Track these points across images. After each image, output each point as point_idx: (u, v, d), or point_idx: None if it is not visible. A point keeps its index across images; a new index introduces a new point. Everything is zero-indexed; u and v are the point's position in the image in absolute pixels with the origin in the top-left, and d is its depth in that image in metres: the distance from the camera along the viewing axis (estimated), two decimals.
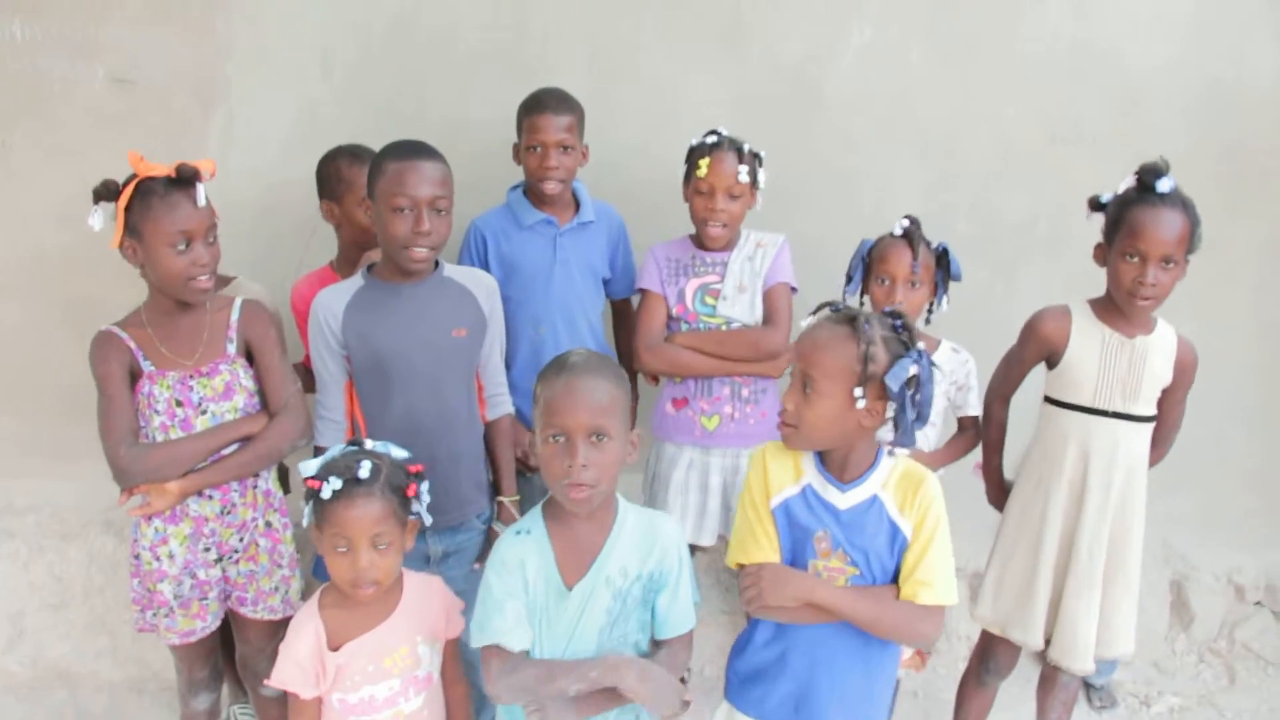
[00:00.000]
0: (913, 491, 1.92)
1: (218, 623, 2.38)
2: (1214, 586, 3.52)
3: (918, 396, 1.85)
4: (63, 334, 3.19)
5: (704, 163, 2.69)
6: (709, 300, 2.78)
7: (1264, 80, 3.33)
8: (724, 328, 2.77)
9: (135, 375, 2.24)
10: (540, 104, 2.73)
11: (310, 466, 1.92)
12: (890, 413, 1.86)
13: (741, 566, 1.99)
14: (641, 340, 2.79)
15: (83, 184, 3.03)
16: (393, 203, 2.27)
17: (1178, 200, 2.32)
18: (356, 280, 2.41)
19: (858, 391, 1.83)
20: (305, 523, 1.92)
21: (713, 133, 2.74)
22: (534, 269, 2.79)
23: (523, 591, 1.85)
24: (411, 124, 3.03)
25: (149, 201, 2.14)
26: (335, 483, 1.85)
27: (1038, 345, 2.50)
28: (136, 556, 2.33)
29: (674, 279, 2.80)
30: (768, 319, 2.77)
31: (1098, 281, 2.58)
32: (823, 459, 1.96)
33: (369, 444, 1.99)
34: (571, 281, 2.83)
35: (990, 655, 2.69)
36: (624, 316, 3.07)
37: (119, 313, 3.04)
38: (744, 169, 2.68)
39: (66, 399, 3.22)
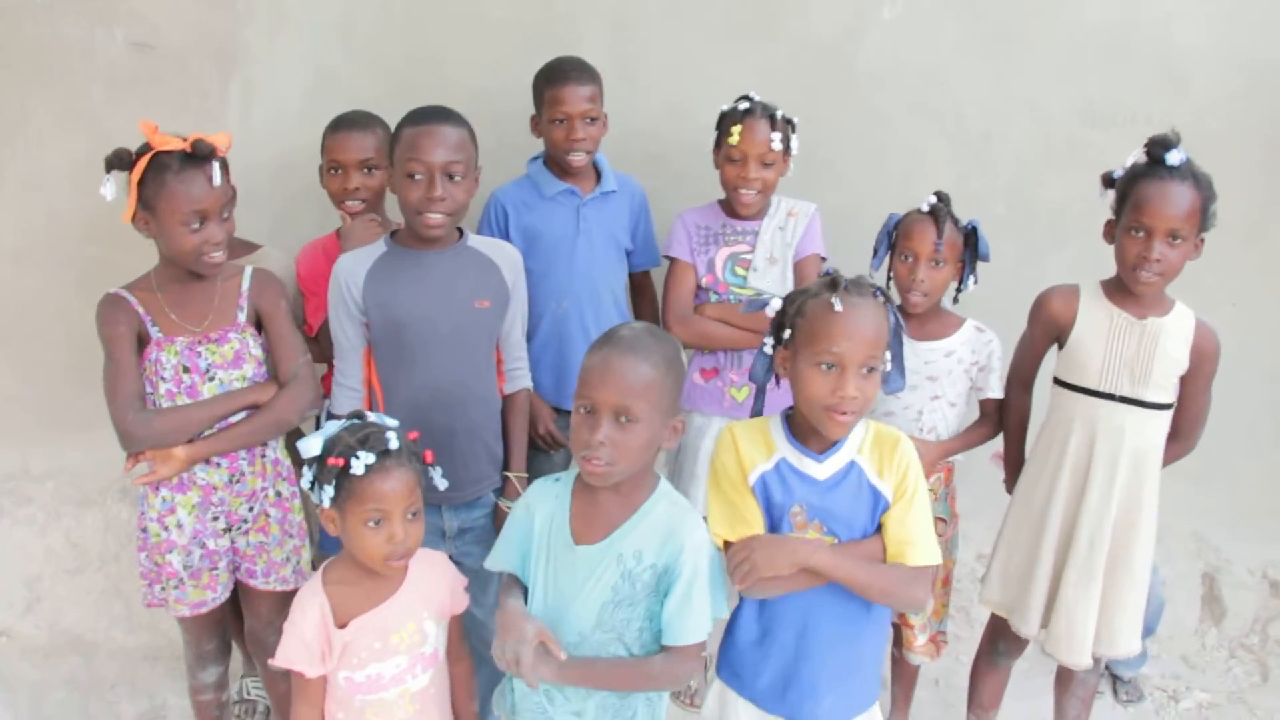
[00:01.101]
0: (890, 453, 1.89)
1: (227, 594, 2.36)
2: (1247, 581, 3.43)
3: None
4: (79, 300, 3.13)
5: (736, 129, 2.63)
6: (739, 271, 2.74)
7: None
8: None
9: (143, 340, 2.21)
10: (563, 74, 2.66)
11: (313, 444, 1.87)
12: (888, 366, 1.89)
13: (728, 545, 1.94)
14: (671, 310, 2.74)
15: (100, 149, 3.01)
16: (406, 168, 2.23)
17: (1188, 174, 2.23)
18: (379, 246, 2.36)
19: (887, 355, 1.82)
20: (323, 502, 1.85)
21: (744, 98, 2.69)
22: (557, 241, 2.73)
23: (527, 530, 1.91)
24: (431, 93, 2.95)
25: (163, 178, 2.10)
26: (368, 457, 1.81)
27: (1044, 324, 2.43)
28: (144, 530, 2.30)
29: (704, 247, 2.75)
30: None
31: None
32: (793, 430, 1.92)
33: (370, 415, 1.94)
34: (595, 253, 2.77)
35: (1000, 637, 2.64)
36: (642, 290, 3.01)
37: (132, 277, 3.06)
38: (777, 136, 2.63)
39: (83, 366, 3.19)
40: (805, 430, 1.90)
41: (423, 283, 2.31)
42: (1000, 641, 2.61)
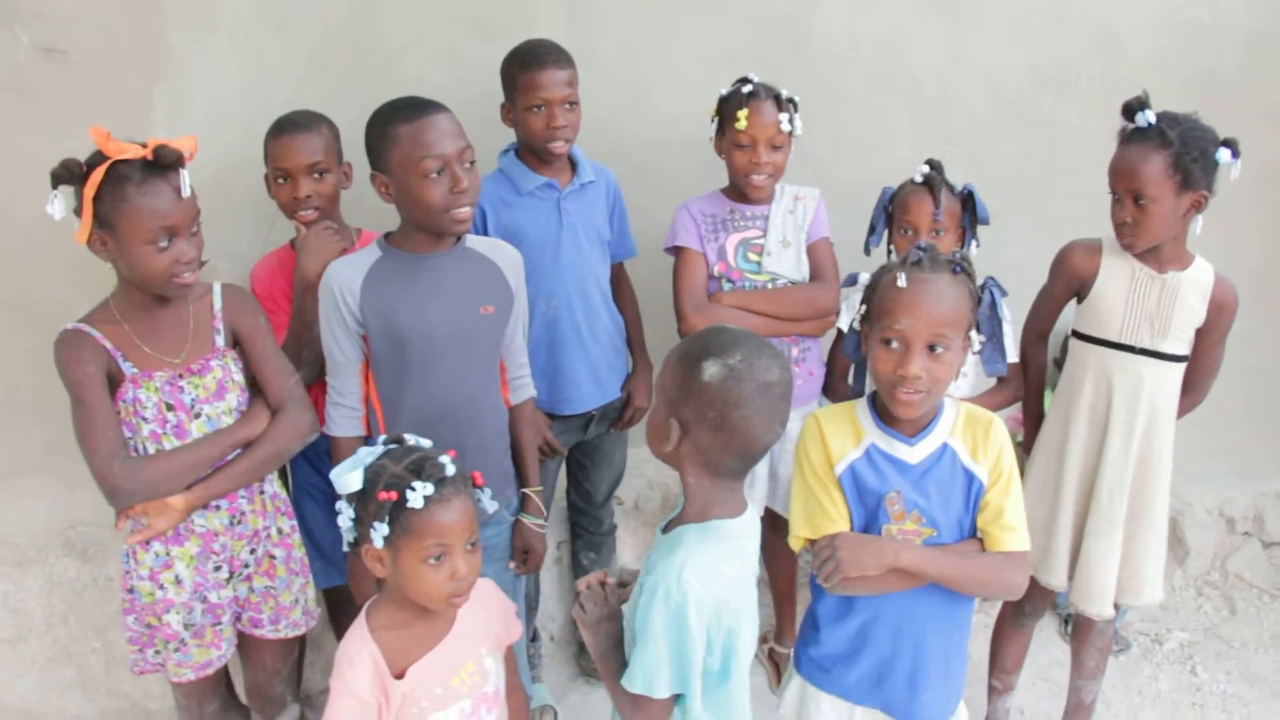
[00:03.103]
0: (983, 435, 1.85)
1: (232, 649, 2.14)
2: (1206, 520, 3.58)
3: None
4: None
5: (742, 114, 2.55)
6: (752, 256, 2.66)
7: (1235, 20, 3.32)
8: (769, 285, 2.65)
9: (114, 380, 1.96)
10: (539, 58, 2.51)
11: (353, 478, 1.68)
12: (977, 347, 1.79)
13: (811, 543, 1.87)
14: (686, 301, 2.63)
15: (6, 168, 2.74)
16: (421, 169, 2.05)
17: (1154, 134, 2.26)
18: (373, 250, 2.18)
19: (973, 334, 1.77)
20: (375, 543, 1.66)
21: (745, 80, 2.61)
22: (541, 238, 2.58)
23: None
24: (381, 88, 2.75)
25: (123, 191, 1.84)
26: (426, 487, 1.63)
27: (1067, 278, 2.45)
28: (130, 590, 2.05)
29: (713, 235, 2.66)
30: (818, 274, 2.68)
31: (1084, 229, 2.54)
32: (880, 414, 1.86)
33: (410, 439, 1.78)
34: (580, 248, 2.64)
35: (1026, 597, 2.64)
36: (619, 282, 2.89)
37: (57, 308, 2.74)
38: (784, 117, 2.57)
39: (4, 408, 2.91)
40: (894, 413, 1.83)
41: (425, 289, 2.14)
42: (1026, 602, 2.62)
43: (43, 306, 2.83)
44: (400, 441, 1.76)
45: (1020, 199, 3.31)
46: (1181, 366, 2.42)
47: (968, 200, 2.58)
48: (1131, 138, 2.29)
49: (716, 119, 2.70)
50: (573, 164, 2.68)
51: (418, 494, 1.63)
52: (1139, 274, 2.35)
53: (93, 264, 2.64)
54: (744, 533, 1.69)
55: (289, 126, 2.47)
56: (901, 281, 1.76)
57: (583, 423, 2.75)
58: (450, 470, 1.69)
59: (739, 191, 2.70)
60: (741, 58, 3.04)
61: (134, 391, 1.96)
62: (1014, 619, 2.69)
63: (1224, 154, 2.23)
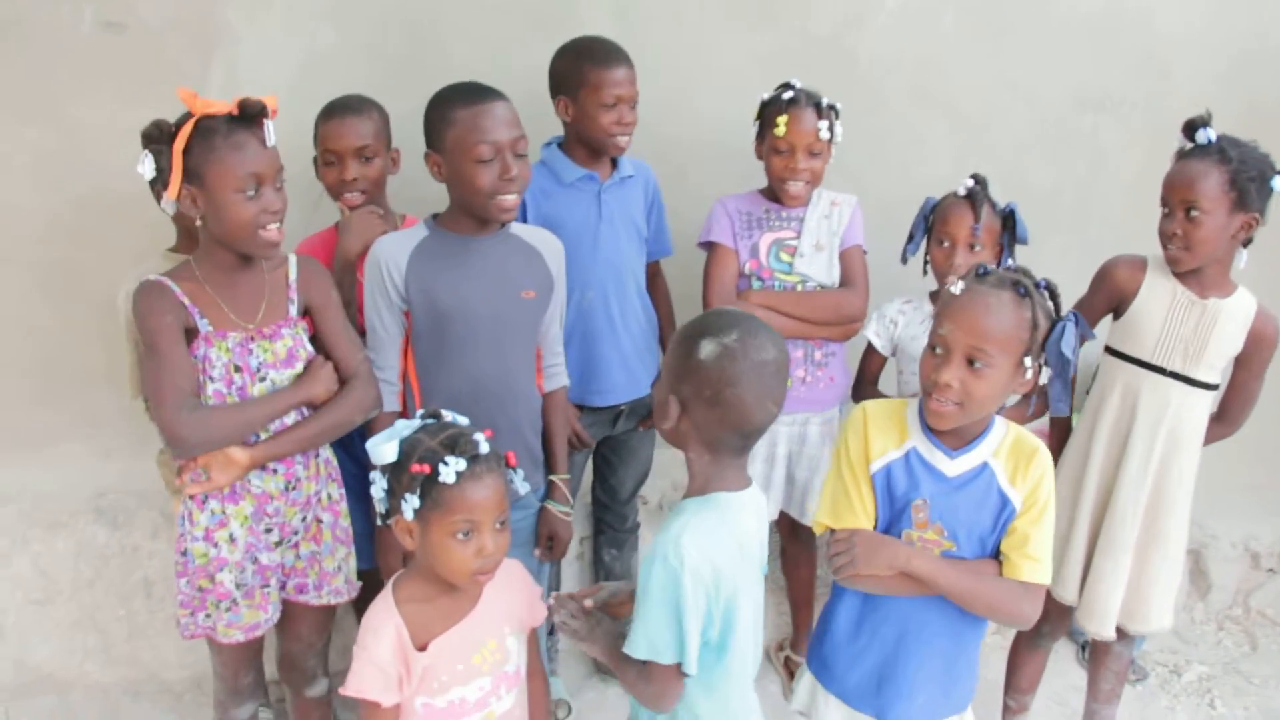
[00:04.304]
0: (1025, 461, 1.82)
1: (278, 614, 2.16)
2: (1230, 554, 3.54)
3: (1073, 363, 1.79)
4: (41, 306, 2.91)
5: (782, 120, 2.57)
6: (784, 256, 2.67)
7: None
8: (799, 287, 2.67)
9: (188, 337, 1.99)
10: (613, 55, 2.54)
11: (388, 449, 1.70)
12: (1044, 379, 1.77)
13: (831, 531, 1.87)
14: (715, 296, 2.66)
15: (66, 139, 2.80)
16: (474, 153, 2.09)
17: (1213, 151, 2.27)
18: (420, 229, 2.22)
19: (1027, 361, 1.74)
20: (405, 514, 1.68)
21: (787, 86, 2.64)
22: (579, 229, 2.59)
23: None
24: (431, 76, 2.79)
25: (211, 142, 1.89)
26: (459, 462, 1.65)
27: (1108, 292, 2.44)
28: (184, 553, 2.07)
29: (746, 233, 2.68)
30: (847, 281, 2.69)
31: (1121, 251, 2.53)
32: (929, 420, 1.86)
33: (446, 415, 1.80)
34: (618, 241, 2.66)
35: (1043, 617, 2.63)
36: (654, 280, 2.90)
37: (99, 281, 2.80)
38: (824, 124, 2.59)
39: (45, 376, 2.96)
40: None
41: (469, 269, 2.17)
42: (1044, 623, 2.60)
43: (84, 279, 2.88)
44: (437, 416, 1.77)
45: (1057, 221, 3.31)
46: (1210, 395, 2.41)
47: (1008, 219, 2.58)
48: (1191, 154, 2.29)
49: (757, 123, 2.72)
50: (612, 159, 2.71)
51: (450, 469, 1.64)
52: (1180, 296, 2.34)
53: (137, 237, 2.74)
54: (743, 506, 1.71)
55: (339, 109, 2.51)
56: (956, 289, 1.78)
57: (611, 417, 2.76)
58: (484, 448, 1.70)
59: (776, 193, 2.72)
60: (784, 68, 3.05)
61: (205, 349, 1.99)
62: (1030, 639, 2.68)
63: (1278, 181, 2.23)
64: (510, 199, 2.14)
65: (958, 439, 1.83)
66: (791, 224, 2.72)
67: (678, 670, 1.65)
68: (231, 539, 2.06)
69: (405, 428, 1.75)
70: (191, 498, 2.03)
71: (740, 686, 1.74)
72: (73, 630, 2.91)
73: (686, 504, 1.68)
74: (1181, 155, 2.33)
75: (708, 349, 1.61)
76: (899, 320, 2.68)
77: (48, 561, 2.89)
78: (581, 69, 2.53)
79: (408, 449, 1.70)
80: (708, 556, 1.60)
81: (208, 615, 2.09)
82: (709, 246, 2.75)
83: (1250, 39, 3.27)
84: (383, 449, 1.70)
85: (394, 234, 2.26)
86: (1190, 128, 2.32)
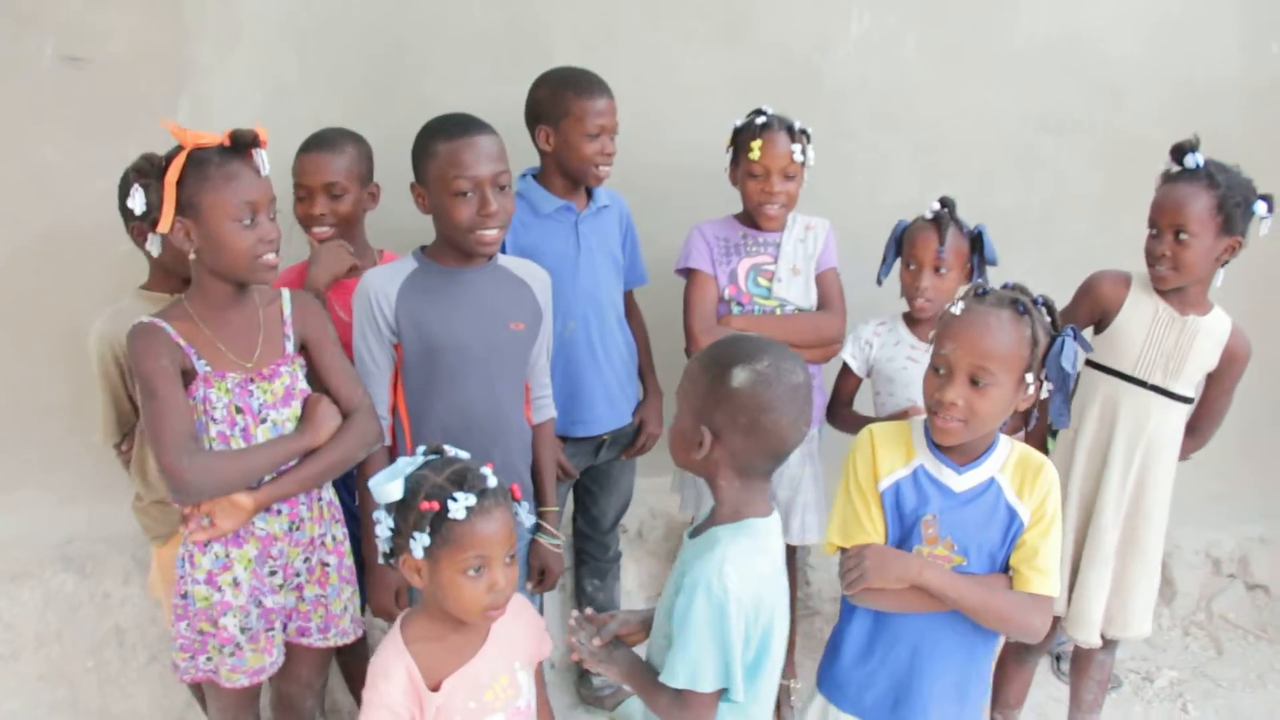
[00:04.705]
0: (1032, 476, 1.86)
1: (282, 657, 2.10)
2: (1194, 561, 3.63)
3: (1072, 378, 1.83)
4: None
5: (756, 145, 2.60)
6: (762, 281, 2.71)
7: (1229, 77, 3.44)
8: (778, 311, 2.70)
9: (185, 379, 1.94)
10: (596, 86, 2.55)
11: (393, 488, 1.67)
12: (1044, 394, 1.80)
13: (843, 551, 1.89)
14: (697, 323, 2.67)
15: (27, 176, 2.73)
16: (453, 187, 2.09)
17: (1202, 175, 2.35)
18: (409, 261, 2.21)
19: (1028, 377, 1.77)
20: (415, 553, 1.65)
21: (759, 112, 2.67)
22: (559, 260, 2.58)
23: None
24: (399, 108, 2.80)
25: (205, 173, 1.86)
26: (468, 498, 1.63)
27: (1091, 305, 2.50)
28: (184, 596, 2.02)
29: (725, 259, 2.71)
30: (825, 304, 2.73)
31: (1085, 270, 2.60)
32: (934, 438, 1.89)
33: (450, 450, 1.78)
34: (596, 271, 2.66)
35: None
36: (630, 309, 2.91)
37: (64, 319, 2.73)
38: (797, 148, 2.63)
39: (3, 419, 2.86)
40: None
41: (459, 302, 2.17)
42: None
43: (46, 317, 2.81)
44: (440, 452, 1.75)
45: (1023, 241, 3.37)
46: (1186, 408, 2.48)
47: (976, 241, 2.63)
48: (1179, 177, 2.36)
49: (731, 149, 2.75)
50: (588, 189, 2.72)
51: (460, 505, 1.63)
52: (1161, 312, 2.42)
53: (101, 275, 2.68)
54: (772, 531, 1.73)
55: (313, 144, 2.49)
56: (956, 309, 1.81)
57: (594, 447, 2.75)
58: (492, 482, 1.69)
59: (752, 218, 2.75)
60: (752, 96, 3.10)
61: (205, 390, 1.95)
62: (1018, 654, 2.72)
63: (1261, 206, 2.32)
64: (490, 234, 2.14)
65: (964, 455, 1.86)
66: (768, 249, 2.75)
67: (715, 697, 1.65)
68: (235, 583, 2.01)
69: (407, 464, 1.72)
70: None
71: (767, 708, 1.74)
72: (39, 684, 2.80)
73: (719, 532, 1.68)
74: (1168, 178, 2.39)
75: (741, 376, 1.63)
76: (874, 342, 2.72)
77: (12, 614, 2.78)
78: (565, 99, 2.53)
79: (413, 486, 1.67)
80: (749, 584, 1.62)
81: (209, 659, 2.04)
82: (687, 273, 2.77)
83: (1199, 68, 3.40)
84: (387, 488, 1.67)
85: (382, 266, 2.24)
86: (1179, 152, 2.38)
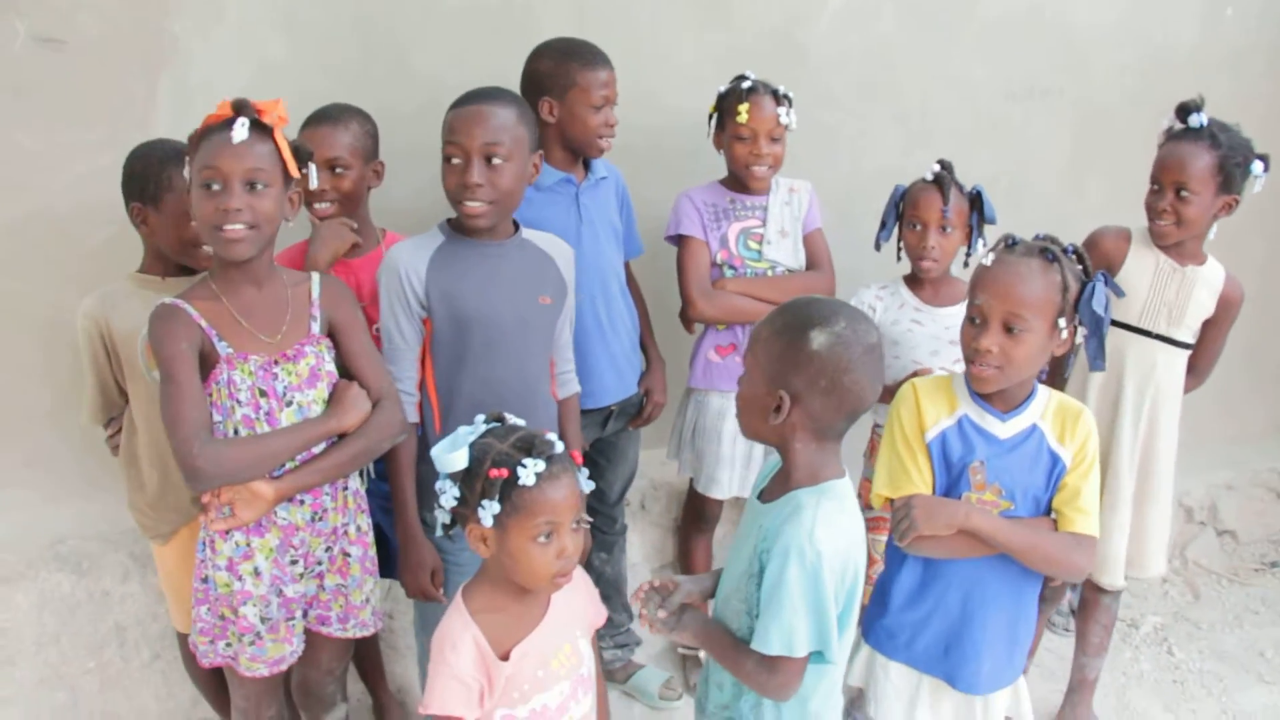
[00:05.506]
0: (1072, 422, 1.92)
1: (302, 645, 2.07)
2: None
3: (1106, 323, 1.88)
4: None
5: (743, 108, 2.66)
6: (752, 245, 2.77)
7: (1186, 45, 3.58)
8: (769, 272, 2.77)
9: (208, 360, 1.89)
10: (600, 57, 2.53)
11: (457, 457, 1.64)
12: (1079, 338, 1.85)
13: (891, 503, 1.93)
14: (694, 287, 2.72)
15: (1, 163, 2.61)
16: (444, 152, 2.11)
17: (1205, 135, 2.43)
18: (435, 235, 2.18)
19: (1061, 322, 1.82)
20: (485, 521, 1.61)
21: (743, 77, 2.72)
22: (561, 233, 2.53)
23: None
24: (389, 86, 2.80)
25: (197, 144, 1.86)
26: (537, 464, 1.60)
27: (1095, 261, 2.55)
28: (205, 580, 1.98)
29: (715, 224, 2.76)
30: (814, 263, 2.81)
31: (1054, 231, 2.66)
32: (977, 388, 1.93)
33: (510, 418, 1.76)
34: (598, 242, 2.65)
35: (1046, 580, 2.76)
36: (628, 280, 2.89)
37: (44, 313, 2.64)
38: (782, 110, 2.69)
39: None
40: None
41: (488, 275, 2.14)
42: (1043, 588, 2.72)
43: (24, 310, 2.70)
44: (501, 420, 1.73)
45: (997, 205, 3.44)
46: (1186, 354, 2.59)
47: (976, 200, 2.70)
48: (1183, 136, 2.43)
49: (715, 115, 2.80)
50: (585, 161, 2.71)
51: (529, 470, 1.61)
52: (1162, 264, 2.51)
53: (81, 263, 2.59)
54: (849, 491, 1.75)
55: (316, 119, 2.43)
56: (988, 260, 1.85)
57: (602, 418, 2.75)
58: (559, 447, 1.68)
59: (739, 182, 2.81)
60: (737, 66, 3.12)
61: (229, 373, 1.90)
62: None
63: (1257, 165, 2.42)
64: (473, 206, 2.11)
65: (1006, 403, 1.91)
66: (756, 213, 2.80)
67: (805, 661, 1.66)
68: (256, 572, 1.96)
69: (469, 433, 1.70)
70: None
71: (844, 665, 1.76)
72: (38, 689, 2.69)
73: (801, 496, 1.68)
74: (1171, 136, 2.47)
75: (820, 339, 1.64)
76: (877, 306, 2.76)
77: (7, 618, 2.67)
78: (569, 70, 2.52)
79: (479, 454, 1.65)
80: (838, 547, 1.64)
81: (228, 644, 2.00)
82: (679, 240, 2.80)
83: (1161, 37, 3.52)
84: (452, 456, 1.65)
85: (408, 241, 2.21)
86: (1184, 111, 2.47)
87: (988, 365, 1.86)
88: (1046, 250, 1.86)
